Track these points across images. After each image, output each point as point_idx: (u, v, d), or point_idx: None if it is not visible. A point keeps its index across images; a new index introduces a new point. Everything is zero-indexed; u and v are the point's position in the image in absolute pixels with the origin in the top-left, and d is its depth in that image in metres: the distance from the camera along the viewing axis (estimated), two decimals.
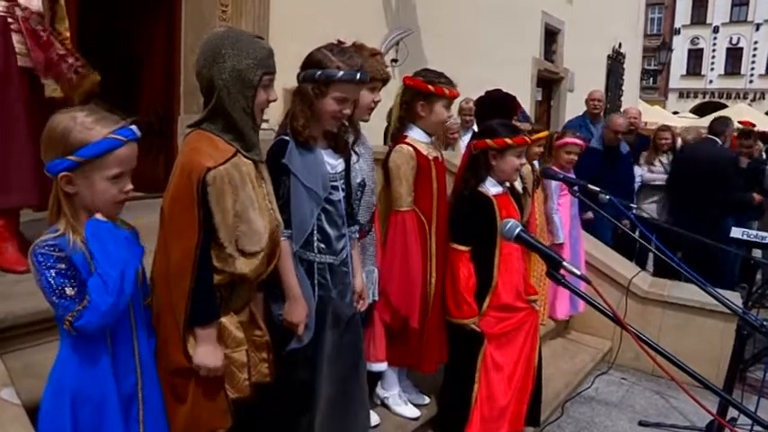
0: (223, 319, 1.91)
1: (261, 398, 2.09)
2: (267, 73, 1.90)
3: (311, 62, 2.17)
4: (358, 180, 2.61)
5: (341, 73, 2.14)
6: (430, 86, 2.82)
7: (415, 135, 2.89)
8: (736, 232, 3.54)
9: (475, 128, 6.83)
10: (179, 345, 1.83)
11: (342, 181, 2.34)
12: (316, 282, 2.25)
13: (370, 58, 2.60)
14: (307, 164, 2.16)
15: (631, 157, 6.22)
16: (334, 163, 2.30)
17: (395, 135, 2.94)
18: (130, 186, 1.69)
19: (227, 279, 1.89)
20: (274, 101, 1.99)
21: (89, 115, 1.59)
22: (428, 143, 2.92)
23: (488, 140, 2.90)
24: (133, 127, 1.66)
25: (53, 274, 1.55)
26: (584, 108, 6.85)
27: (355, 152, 2.50)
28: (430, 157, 2.88)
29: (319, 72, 2.13)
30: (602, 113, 6.79)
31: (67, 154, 1.56)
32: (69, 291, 1.55)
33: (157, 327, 1.87)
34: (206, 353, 1.85)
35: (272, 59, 1.93)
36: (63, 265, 1.56)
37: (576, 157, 4.38)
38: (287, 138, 2.17)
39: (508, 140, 2.86)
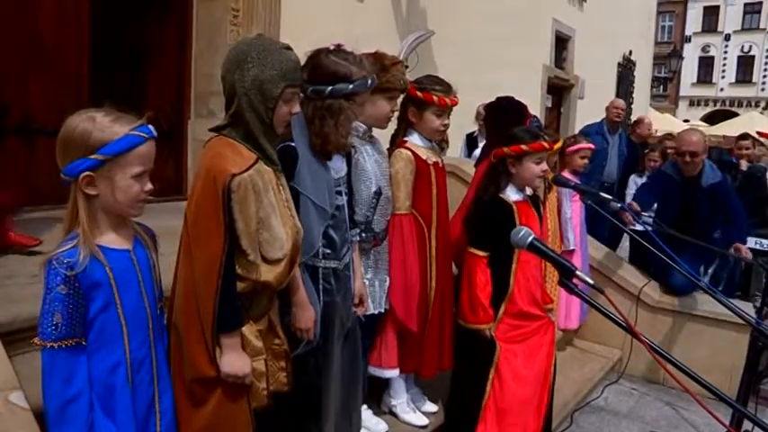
0: (242, 329, 1.88)
1: (275, 407, 2.08)
2: (291, 86, 1.88)
3: (336, 76, 2.14)
4: (373, 189, 2.60)
5: (369, 82, 2.18)
6: (418, 93, 2.81)
7: (414, 140, 2.90)
8: (749, 242, 3.49)
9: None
10: (205, 353, 1.80)
11: (345, 186, 2.34)
12: (320, 287, 2.24)
13: (392, 67, 2.60)
14: (316, 179, 2.14)
15: (728, 184, 4.77)
16: (338, 167, 2.29)
17: (394, 139, 2.95)
18: (151, 186, 1.69)
19: (249, 287, 1.87)
20: (297, 114, 1.97)
21: (106, 115, 1.60)
22: (427, 148, 2.92)
23: (505, 148, 2.88)
24: (150, 126, 1.66)
25: (51, 297, 1.55)
26: (597, 115, 6.83)
27: (354, 147, 2.49)
28: (429, 162, 2.89)
29: (351, 86, 2.13)
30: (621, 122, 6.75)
31: (89, 154, 1.56)
32: (57, 317, 1.54)
33: (179, 335, 1.84)
34: (233, 360, 1.82)
35: (297, 72, 1.90)
36: (65, 288, 1.55)
37: (588, 161, 4.50)
38: (293, 144, 2.14)
39: (524, 147, 2.84)
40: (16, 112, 4.12)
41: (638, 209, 4.30)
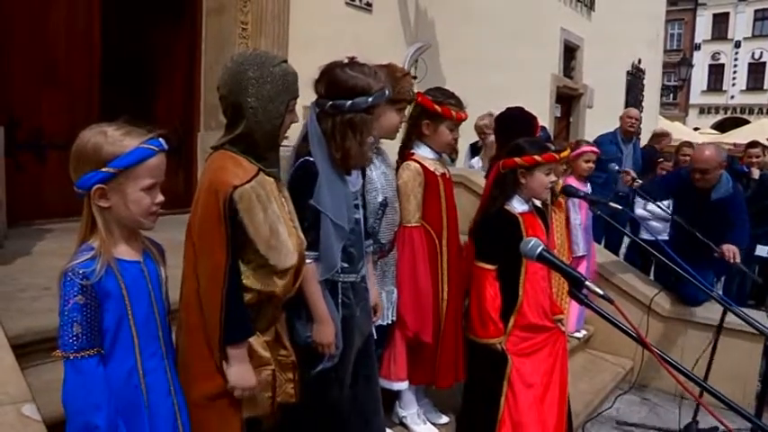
0: (250, 339, 1.89)
1: (293, 420, 2.08)
2: (292, 98, 1.92)
3: (354, 90, 2.10)
4: (379, 199, 2.60)
5: (387, 94, 2.17)
6: (436, 107, 2.82)
7: (423, 152, 2.90)
8: (761, 250, 3.46)
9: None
10: (209, 367, 1.81)
11: (360, 199, 2.33)
12: (340, 301, 2.22)
13: (402, 79, 2.62)
14: (335, 196, 2.12)
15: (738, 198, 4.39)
16: (354, 181, 2.28)
17: (402, 151, 2.96)
18: (162, 198, 1.71)
19: (255, 298, 1.88)
20: (296, 122, 2.00)
21: (117, 129, 1.62)
22: (435, 160, 2.93)
23: (517, 159, 2.87)
24: (161, 139, 1.68)
25: (70, 307, 1.55)
26: (606, 123, 6.80)
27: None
28: (437, 174, 2.89)
29: (370, 99, 2.10)
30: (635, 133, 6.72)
31: (100, 167, 1.58)
32: (77, 328, 1.55)
33: (184, 349, 1.85)
34: (240, 372, 1.83)
35: (296, 84, 1.94)
36: (83, 299, 1.56)
37: (593, 165, 4.49)
38: (311, 159, 2.12)
39: (537, 158, 2.83)
40: (27, 126, 4.17)
41: (634, 175, 4.54)
